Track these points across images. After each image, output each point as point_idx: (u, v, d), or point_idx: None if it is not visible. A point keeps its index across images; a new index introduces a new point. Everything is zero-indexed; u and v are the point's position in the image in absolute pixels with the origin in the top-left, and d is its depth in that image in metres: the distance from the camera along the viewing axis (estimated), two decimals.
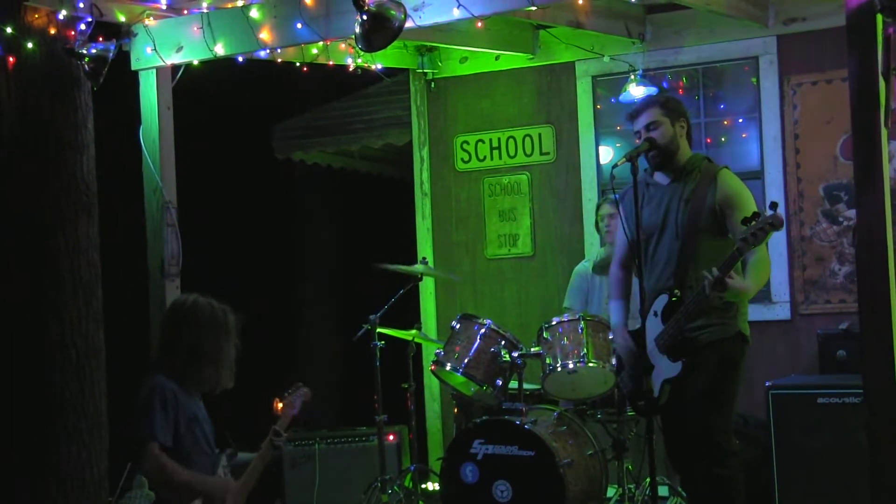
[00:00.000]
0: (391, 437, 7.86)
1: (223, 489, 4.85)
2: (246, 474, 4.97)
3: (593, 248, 8.08)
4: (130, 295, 7.43)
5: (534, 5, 6.28)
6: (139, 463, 4.83)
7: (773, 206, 4.98)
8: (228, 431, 6.97)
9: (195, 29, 6.57)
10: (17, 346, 6.70)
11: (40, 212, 6.68)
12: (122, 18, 6.68)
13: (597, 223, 7.55)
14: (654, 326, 5.38)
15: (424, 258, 7.80)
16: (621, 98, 7.97)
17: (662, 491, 6.75)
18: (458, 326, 6.88)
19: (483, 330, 6.76)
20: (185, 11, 6.70)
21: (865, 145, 4.68)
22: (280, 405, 5.22)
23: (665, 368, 5.35)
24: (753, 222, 4.96)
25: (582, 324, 6.65)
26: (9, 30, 6.58)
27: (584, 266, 7.61)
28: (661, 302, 5.39)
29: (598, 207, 7.51)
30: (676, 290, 5.35)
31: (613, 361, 6.15)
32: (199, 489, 4.76)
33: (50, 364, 6.64)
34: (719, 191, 5.45)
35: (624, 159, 5.32)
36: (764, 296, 7.56)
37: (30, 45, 6.60)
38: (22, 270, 6.71)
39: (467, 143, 8.69)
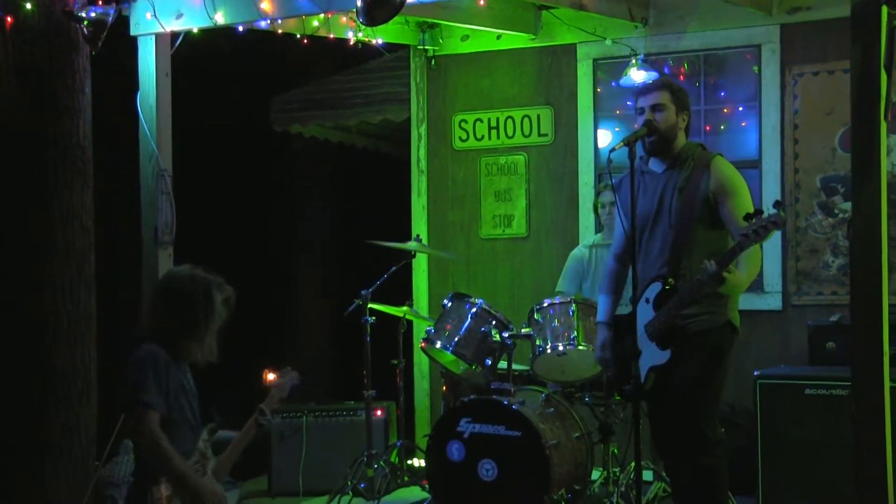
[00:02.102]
0: (379, 413, 7.87)
1: (212, 494, 4.78)
2: (228, 450, 4.95)
3: (588, 231, 8.08)
4: (125, 262, 7.40)
5: None
6: (133, 430, 4.73)
7: (777, 204, 4.96)
8: (213, 406, 6.96)
9: None
10: (7, 312, 6.68)
11: (35, 176, 6.65)
12: None
13: (595, 207, 7.54)
14: (644, 313, 5.37)
15: (418, 235, 7.80)
16: (622, 82, 7.96)
17: (647, 476, 6.77)
18: (449, 305, 6.89)
19: (474, 309, 6.78)
20: None
21: (864, 138, 4.66)
22: (270, 377, 5.21)
23: (653, 356, 5.34)
24: (755, 219, 4.94)
25: (573, 307, 6.67)
26: None
27: (581, 251, 7.60)
28: (653, 289, 5.37)
29: (599, 193, 7.48)
30: (670, 279, 5.33)
31: None
32: (191, 485, 4.69)
33: (41, 330, 6.63)
34: (713, 178, 5.42)
35: (622, 143, 5.28)
36: (756, 285, 7.55)
37: (28, 5, 6.55)
38: (15, 235, 6.69)
39: (465, 121, 8.67)
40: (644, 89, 5.63)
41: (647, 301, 5.37)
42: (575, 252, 7.64)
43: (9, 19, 6.56)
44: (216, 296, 4.89)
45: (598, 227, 7.75)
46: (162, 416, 4.64)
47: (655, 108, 5.48)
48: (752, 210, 5.05)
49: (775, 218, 4.93)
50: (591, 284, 7.33)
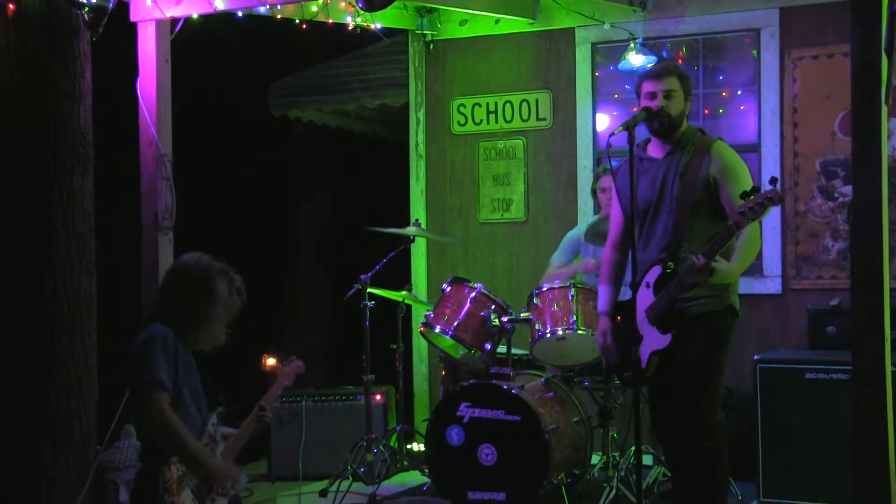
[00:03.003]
0: (378, 397, 7.89)
1: (226, 475, 4.78)
2: (229, 445, 4.94)
3: (587, 216, 8.08)
4: (126, 247, 7.41)
5: None
6: (142, 409, 4.70)
7: (773, 181, 4.95)
8: (220, 391, 6.96)
9: None
10: (7, 296, 6.69)
11: (36, 161, 6.65)
12: None
13: (594, 191, 7.52)
14: (645, 298, 5.36)
15: (417, 220, 7.80)
16: (620, 66, 7.96)
17: (646, 460, 6.79)
18: (448, 289, 6.89)
19: (473, 294, 6.78)
20: None
21: (865, 122, 4.65)
22: (272, 362, 5.21)
23: (654, 340, 5.34)
24: (752, 196, 4.94)
25: (572, 291, 6.67)
26: None
27: (579, 230, 7.57)
28: (653, 273, 5.36)
29: (597, 177, 7.45)
30: (670, 263, 5.33)
31: None
32: (203, 463, 4.68)
33: (41, 314, 6.64)
34: (713, 162, 5.41)
35: (621, 128, 5.26)
36: (755, 269, 7.57)
37: None
38: (15, 220, 6.69)
39: (464, 106, 8.67)
40: (655, 74, 5.53)
41: (648, 286, 5.37)
42: (573, 231, 7.61)
43: (10, 6, 6.55)
44: (218, 285, 4.88)
45: (597, 210, 7.74)
46: (171, 395, 4.63)
47: (668, 94, 5.45)
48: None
49: (771, 194, 4.92)
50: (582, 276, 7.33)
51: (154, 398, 4.58)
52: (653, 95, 5.45)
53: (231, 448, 4.95)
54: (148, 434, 4.76)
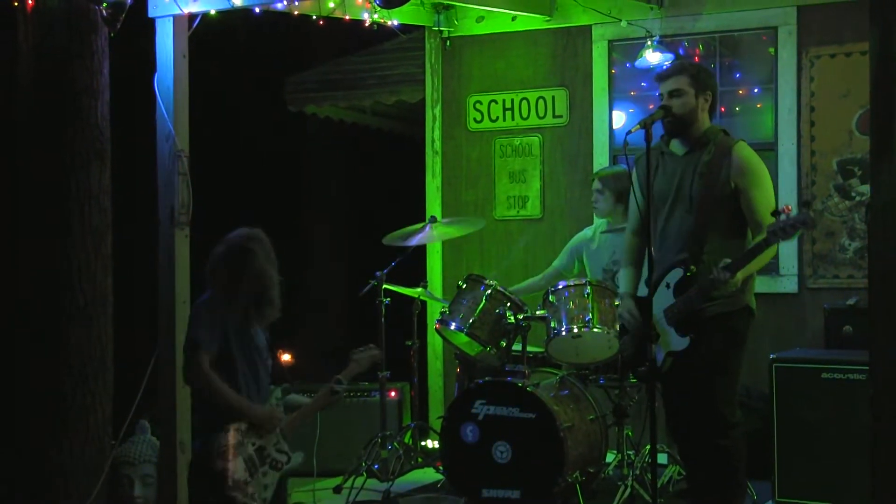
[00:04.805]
0: (393, 394, 7.89)
1: (270, 419, 4.85)
2: (298, 412, 5.00)
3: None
4: (141, 242, 7.43)
5: None
6: (185, 369, 4.78)
7: (807, 204, 4.99)
8: (286, 367, 6.97)
9: None
10: (24, 289, 6.71)
11: (53, 156, 6.68)
12: None
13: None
14: (664, 298, 5.36)
15: (433, 217, 7.79)
16: (637, 64, 7.95)
17: (661, 459, 6.78)
18: (464, 286, 6.89)
19: (489, 291, 6.77)
20: None
21: (883, 120, 4.63)
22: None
23: (672, 341, 5.34)
24: (784, 216, 4.93)
25: (588, 289, 6.65)
26: None
27: (586, 233, 7.54)
28: (675, 275, 5.35)
29: (592, 179, 7.43)
30: (692, 266, 5.32)
31: (618, 327, 6.14)
32: (246, 415, 4.75)
33: (57, 308, 6.66)
34: (734, 165, 5.39)
35: (638, 126, 5.27)
36: (772, 268, 7.56)
37: None
38: (33, 214, 6.72)
39: (480, 102, 8.66)
40: (662, 75, 5.57)
41: (668, 286, 5.36)
42: (581, 233, 7.59)
43: (29, 2, 6.58)
44: (249, 259, 4.94)
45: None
46: (212, 356, 4.69)
47: (673, 93, 5.46)
48: (773, 199, 5.06)
49: (805, 218, 4.92)
50: (592, 263, 7.31)
51: (193, 358, 4.66)
52: (661, 96, 5.49)
53: (298, 416, 5.01)
54: (198, 400, 4.81)
